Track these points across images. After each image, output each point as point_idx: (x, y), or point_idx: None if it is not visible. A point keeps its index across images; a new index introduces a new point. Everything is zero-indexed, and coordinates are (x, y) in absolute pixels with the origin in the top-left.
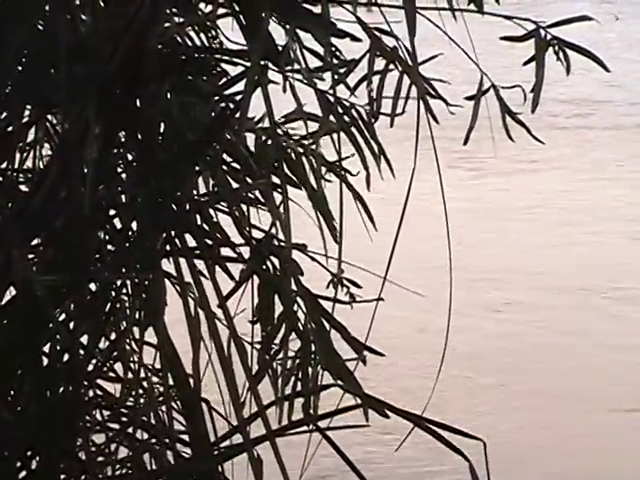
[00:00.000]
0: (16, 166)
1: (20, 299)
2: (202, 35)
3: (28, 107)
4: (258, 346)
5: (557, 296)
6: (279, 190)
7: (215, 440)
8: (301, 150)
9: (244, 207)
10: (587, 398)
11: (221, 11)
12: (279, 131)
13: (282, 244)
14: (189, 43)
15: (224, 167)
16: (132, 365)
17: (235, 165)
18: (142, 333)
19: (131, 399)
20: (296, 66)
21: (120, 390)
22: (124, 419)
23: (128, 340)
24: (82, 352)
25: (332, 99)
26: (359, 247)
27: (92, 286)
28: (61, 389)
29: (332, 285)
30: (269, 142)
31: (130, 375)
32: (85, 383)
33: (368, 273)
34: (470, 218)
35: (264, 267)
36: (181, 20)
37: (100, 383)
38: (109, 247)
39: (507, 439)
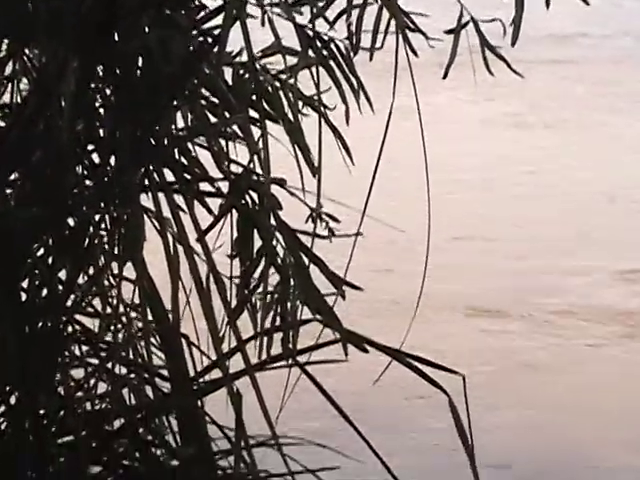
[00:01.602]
0: None
1: None
2: None
3: (5, 41)
4: (237, 281)
5: None
6: (257, 124)
7: (194, 375)
8: (279, 84)
9: (222, 142)
10: None
11: None
12: (257, 65)
13: (261, 179)
14: None
15: (202, 101)
16: (111, 300)
17: (213, 99)
18: (121, 268)
19: (110, 334)
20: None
21: (99, 325)
22: (103, 354)
23: (107, 275)
24: (61, 287)
25: (311, 33)
26: (338, 182)
27: (70, 221)
28: (40, 324)
29: (311, 220)
30: (247, 76)
31: (109, 310)
32: (64, 318)
33: (347, 208)
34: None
35: (243, 202)
36: None
37: (79, 318)
38: (87, 182)
39: None
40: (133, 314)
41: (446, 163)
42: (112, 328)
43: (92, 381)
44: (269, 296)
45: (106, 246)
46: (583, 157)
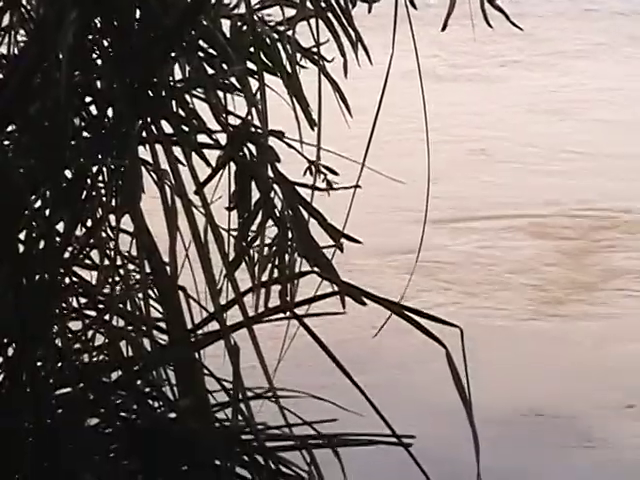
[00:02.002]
0: None
1: None
2: None
3: None
4: (235, 233)
5: None
6: (255, 77)
7: (192, 327)
8: (277, 37)
9: (220, 94)
10: None
11: None
12: (255, 17)
13: (259, 131)
14: None
15: (200, 53)
16: (109, 253)
17: (211, 51)
18: (118, 220)
19: (108, 286)
20: None
21: (97, 278)
22: (101, 306)
23: (104, 228)
24: (58, 239)
25: None
26: (336, 134)
27: (68, 173)
28: (37, 276)
29: (309, 172)
30: (245, 28)
31: (107, 262)
32: (61, 270)
33: (346, 160)
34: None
35: (241, 154)
36: None
37: (76, 271)
38: (85, 134)
39: None
40: (131, 266)
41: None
42: (110, 280)
43: (89, 333)
44: (267, 249)
45: (104, 198)
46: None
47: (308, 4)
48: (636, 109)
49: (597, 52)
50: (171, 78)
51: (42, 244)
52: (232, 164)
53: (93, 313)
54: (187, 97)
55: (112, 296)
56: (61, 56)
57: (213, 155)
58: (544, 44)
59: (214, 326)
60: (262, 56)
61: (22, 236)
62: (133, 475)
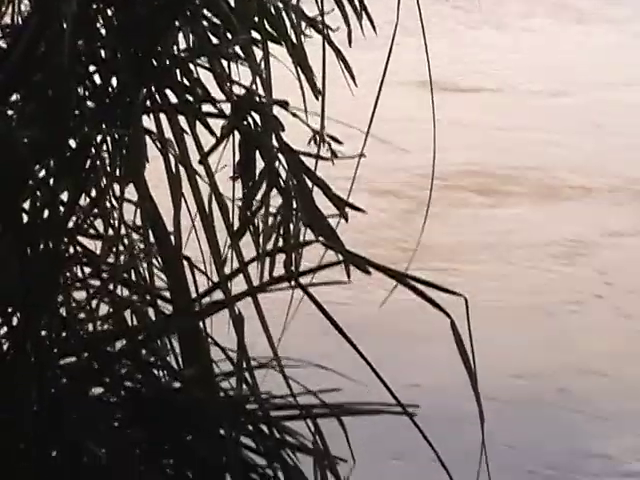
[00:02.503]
0: None
1: None
2: None
3: None
4: (239, 203)
5: None
6: (260, 46)
7: (196, 297)
8: (282, 5)
9: (225, 63)
10: None
11: None
12: None
13: (263, 100)
14: None
15: (204, 22)
16: (113, 222)
17: (215, 20)
18: (122, 190)
19: (112, 256)
20: None
21: (101, 247)
22: (105, 276)
23: (109, 197)
24: (62, 209)
25: None
26: (341, 103)
27: (72, 142)
28: (41, 245)
29: (314, 141)
30: None
31: (111, 232)
32: (65, 240)
33: (350, 129)
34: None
35: (245, 123)
36: None
37: (81, 240)
38: (89, 103)
39: None
40: (135, 236)
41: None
42: (114, 250)
43: (94, 303)
44: (271, 218)
45: (108, 168)
46: None
47: None
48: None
49: None
50: (175, 47)
51: (46, 214)
52: (236, 133)
53: (97, 282)
54: (191, 66)
55: (116, 265)
56: (65, 25)
57: (217, 124)
58: None
59: (219, 296)
60: (266, 25)
61: (26, 206)
62: (137, 444)
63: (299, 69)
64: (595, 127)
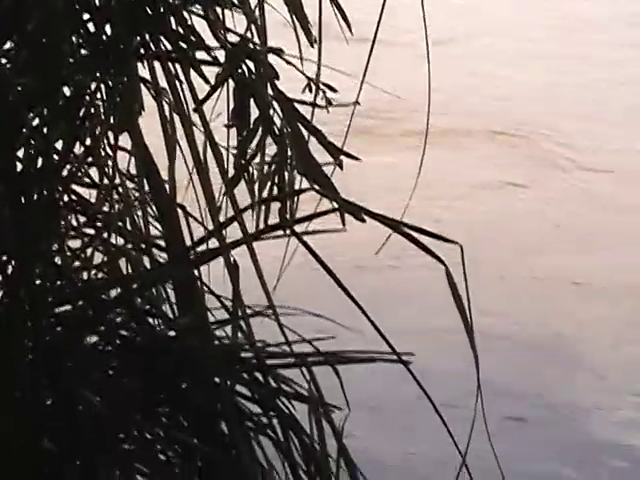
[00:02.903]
0: None
1: None
2: None
3: None
4: (234, 151)
5: None
6: None
7: (191, 245)
8: None
9: (219, 10)
10: None
11: None
12: None
13: (258, 48)
14: None
15: None
16: (107, 171)
17: None
18: (116, 138)
19: (107, 205)
20: None
21: (96, 196)
22: (99, 224)
23: (103, 145)
24: (56, 157)
25: None
26: (337, 51)
27: (66, 90)
28: (35, 194)
29: (308, 89)
30: None
31: (105, 181)
32: (60, 188)
33: (346, 76)
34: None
35: (239, 71)
36: None
37: (75, 189)
38: (83, 51)
39: None
40: (130, 185)
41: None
42: (109, 199)
43: (88, 251)
44: (266, 167)
45: (102, 116)
46: None
47: None
48: None
49: None
50: None
51: (40, 162)
52: (231, 81)
53: (92, 231)
54: (185, 14)
55: (111, 214)
56: None
57: (212, 72)
58: None
59: (214, 244)
60: None
61: (20, 154)
62: (132, 393)
63: (294, 17)
64: None
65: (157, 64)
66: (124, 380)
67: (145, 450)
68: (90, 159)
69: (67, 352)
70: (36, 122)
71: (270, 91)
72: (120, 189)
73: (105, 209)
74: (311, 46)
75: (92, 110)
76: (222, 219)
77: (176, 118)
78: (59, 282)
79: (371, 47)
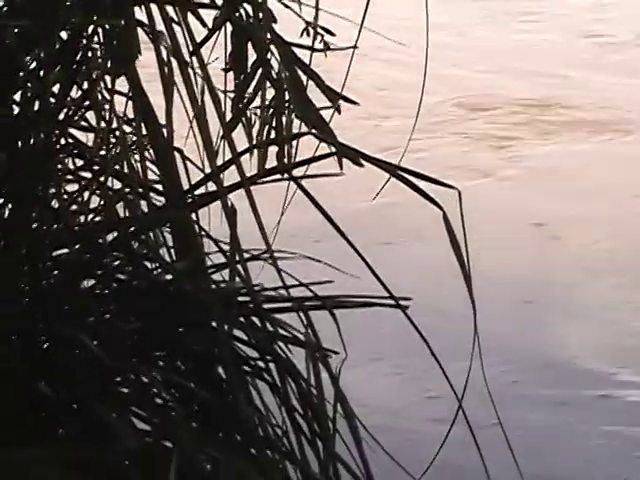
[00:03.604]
0: None
1: None
2: None
3: None
4: (232, 95)
5: None
6: None
7: (188, 188)
8: None
9: None
10: None
11: None
12: None
13: None
14: None
15: None
16: (104, 115)
17: None
18: (113, 81)
19: (104, 148)
20: None
21: (93, 140)
22: (96, 168)
23: (100, 89)
24: (53, 100)
25: None
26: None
27: (63, 34)
28: (32, 137)
29: (306, 33)
30: None
31: (103, 125)
32: (56, 132)
33: (345, 21)
34: None
35: (237, 14)
36: None
37: (72, 132)
38: None
39: None
40: (127, 129)
41: None
42: (106, 142)
43: (85, 195)
44: (264, 110)
45: (99, 59)
46: None
47: None
48: None
49: None
50: None
51: (37, 105)
52: (229, 25)
53: (89, 175)
54: None
55: (108, 158)
56: None
57: (209, 15)
58: None
59: (212, 188)
60: None
61: (17, 97)
62: (129, 336)
63: None
64: None
65: (154, 7)
66: (121, 324)
67: (142, 394)
68: (87, 103)
69: (64, 296)
70: (33, 65)
71: (268, 35)
72: (117, 133)
73: (102, 153)
74: None
75: (89, 54)
76: (220, 163)
77: (174, 62)
78: (56, 226)
79: None
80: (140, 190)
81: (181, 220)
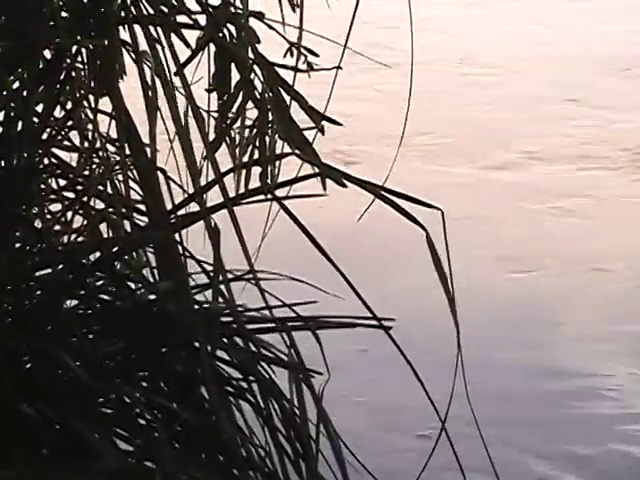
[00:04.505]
0: None
1: None
2: None
3: None
4: (215, 115)
5: None
6: None
7: (171, 208)
8: None
9: None
10: None
11: None
12: None
13: (239, 11)
14: None
15: None
16: (88, 134)
17: None
18: (97, 101)
19: (87, 168)
20: None
21: (77, 159)
22: (80, 188)
23: (84, 109)
24: (36, 120)
25: None
26: (318, 17)
27: (47, 53)
28: (15, 157)
29: (290, 54)
30: None
31: (86, 144)
32: (40, 151)
33: (328, 42)
34: None
35: (220, 35)
36: None
37: (56, 153)
38: (63, 14)
39: None
40: (111, 148)
41: None
42: (89, 162)
43: (69, 215)
44: (247, 131)
45: (84, 79)
46: None
47: None
48: None
49: None
50: None
51: (20, 125)
52: (212, 45)
53: (72, 195)
54: None
55: (91, 177)
56: None
57: (193, 36)
58: None
59: (194, 207)
60: None
61: (0, 117)
62: (112, 356)
63: None
64: None
65: (138, 28)
66: (104, 344)
67: (124, 414)
68: (70, 122)
69: (47, 316)
70: (16, 85)
71: (251, 55)
72: (101, 153)
73: (86, 173)
74: (292, 10)
75: (73, 74)
76: (203, 184)
77: (157, 82)
78: (39, 246)
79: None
80: (123, 210)
81: (164, 240)
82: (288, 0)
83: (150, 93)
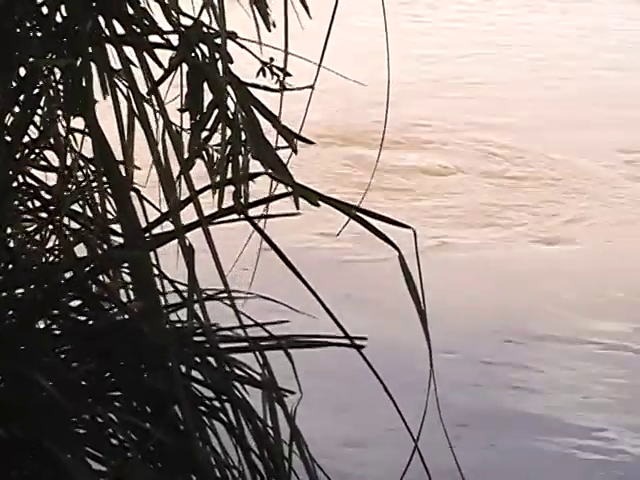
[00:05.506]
0: None
1: None
2: None
3: None
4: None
5: None
6: None
7: (146, 227)
8: None
9: None
10: None
11: None
12: None
13: (211, 31)
14: None
15: None
16: (62, 153)
17: None
18: (68, 121)
19: (63, 187)
20: None
21: (57, 181)
22: (53, 207)
23: (58, 127)
24: (10, 139)
25: None
26: (291, 36)
27: (21, 71)
28: None
29: (262, 73)
30: None
31: (59, 163)
32: (13, 170)
33: (304, 61)
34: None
35: (193, 54)
36: None
37: (30, 172)
38: (37, 33)
39: None
40: (86, 168)
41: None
42: (65, 181)
43: (42, 234)
44: (214, 149)
45: (56, 98)
46: None
47: None
48: None
49: None
50: None
51: None
52: (185, 65)
53: (45, 214)
54: None
55: (64, 197)
56: None
57: (166, 56)
58: None
59: (169, 226)
60: None
61: None
62: (85, 376)
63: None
64: None
65: (110, 47)
66: (76, 364)
67: (97, 434)
68: (44, 141)
69: (19, 335)
70: None
71: (224, 75)
72: (74, 172)
73: (61, 192)
74: (268, 30)
75: (47, 92)
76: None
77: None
78: (11, 265)
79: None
80: (96, 229)
81: (138, 259)
82: (262, 19)
83: (123, 112)
